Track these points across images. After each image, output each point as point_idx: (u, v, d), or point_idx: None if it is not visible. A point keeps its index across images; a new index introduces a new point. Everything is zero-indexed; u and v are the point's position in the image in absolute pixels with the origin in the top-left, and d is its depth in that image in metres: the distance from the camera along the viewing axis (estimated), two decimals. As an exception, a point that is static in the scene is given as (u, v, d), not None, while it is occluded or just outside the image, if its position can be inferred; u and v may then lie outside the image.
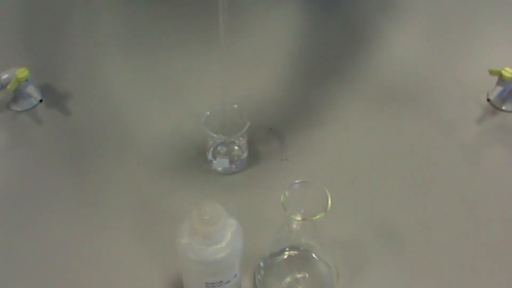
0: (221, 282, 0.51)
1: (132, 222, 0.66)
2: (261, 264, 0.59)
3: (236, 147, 0.73)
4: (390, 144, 0.76)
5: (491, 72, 0.78)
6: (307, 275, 0.59)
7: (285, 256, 0.60)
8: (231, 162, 0.71)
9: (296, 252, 0.60)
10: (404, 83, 0.86)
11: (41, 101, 0.79)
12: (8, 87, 0.76)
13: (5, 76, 0.77)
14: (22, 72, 0.77)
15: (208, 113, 0.68)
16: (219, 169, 0.71)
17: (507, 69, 0.77)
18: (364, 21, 0.99)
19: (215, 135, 0.67)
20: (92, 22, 0.98)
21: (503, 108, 0.81)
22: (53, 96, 0.82)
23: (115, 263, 0.62)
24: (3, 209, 0.68)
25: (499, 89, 0.78)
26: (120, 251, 0.63)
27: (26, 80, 0.77)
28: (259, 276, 0.59)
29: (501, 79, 0.78)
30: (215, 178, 0.71)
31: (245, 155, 0.72)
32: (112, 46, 0.93)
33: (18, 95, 0.79)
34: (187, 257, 0.49)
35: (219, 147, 0.73)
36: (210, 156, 0.72)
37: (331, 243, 0.58)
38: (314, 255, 0.59)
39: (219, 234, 0.48)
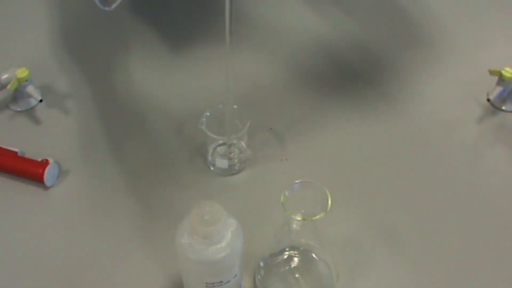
0: (221, 282, 0.51)
1: (132, 222, 0.66)
2: (261, 264, 0.59)
3: (236, 148, 0.73)
4: (390, 144, 0.76)
5: (491, 72, 0.78)
6: (307, 275, 0.59)
7: (285, 256, 0.60)
8: (231, 162, 0.71)
9: (296, 252, 0.60)
10: (404, 83, 0.86)
11: (41, 101, 0.79)
12: (8, 87, 0.76)
13: (5, 76, 0.77)
14: (22, 72, 0.77)
15: (208, 113, 0.68)
16: (219, 169, 0.71)
17: (507, 69, 0.77)
18: (364, 21, 0.99)
19: (215, 136, 0.67)
20: (92, 22, 0.98)
21: (503, 108, 0.81)
22: (53, 96, 0.82)
23: (115, 263, 0.62)
24: (3, 209, 0.68)
25: (499, 89, 0.78)
26: (120, 251, 0.63)
27: (26, 80, 0.77)
28: (259, 276, 0.59)
29: (501, 79, 0.78)
30: (215, 178, 0.71)
31: (245, 155, 0.72)
32: (112, 46, 0.93)
33: (18, 95, 0.79)
34: (187, 257, 0.49)
35: (219, 148, 0.73)
36: (210, 157, 0.72)
37: (331, 243, 0.58)
38: (314, 255, 0.59)
39: (219, 234, 0.48)
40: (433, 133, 0.78)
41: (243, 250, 0.52)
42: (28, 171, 0.69)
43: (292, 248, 0.60)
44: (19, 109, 0.81)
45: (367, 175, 0.72)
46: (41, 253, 0.63)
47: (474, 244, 0.64)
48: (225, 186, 0.70)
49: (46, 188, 0.69)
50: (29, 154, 0.73)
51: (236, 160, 0.72)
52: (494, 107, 0.81)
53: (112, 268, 0.62)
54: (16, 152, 0.72)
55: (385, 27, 0.97)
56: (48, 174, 0.68)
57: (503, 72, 0.77)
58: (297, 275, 0.59)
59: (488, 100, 0.80)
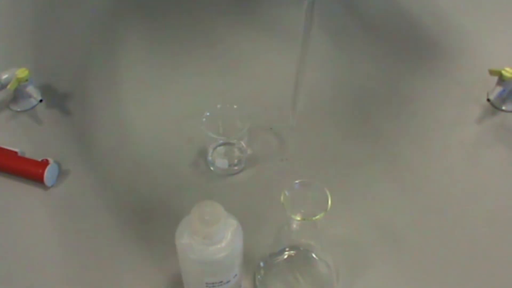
0: (221, 282, 0.51)
1: (132, 222, 0.66)
2: (261, 264, 0.59)
3: (236, 148, 0.73)
4: (390, 143, 0.76)
5: (491, 72, 0.78)
6: (307, 275, 0.59)
7: (285, 256, 0.60)
8: (231, 162, 0.71)
9: (296, 252, 0.60)
10: (404, 83, 0.86)
11: (41, 101, 0.79)
12: (8, 87, 0.76)
13: (5, 76, 0.77)
14: (22, 72, 0.77)
15: (208, 113, 0.68)
16: (219, 169, 0.71)
17: (507, 69, 0.77)
18: (364, 22, 0.99)
19: (215, 136, 0.67)
20: (92, 22, 0.98)
21: (503, 108, 0.81)
22: (53, 96, 0.82)
23: (115, 263, 0.62)
24: (3, 209, 0.68)
25: (499, 89, 0.78)
26: (120, 251, 0.63)
27: (26, 80, 0.77)
28: (259, 276, 0.59)
29: (501, 79, 0.78)
30: (215, 178, 0.71)
31: (245, 155, 0.72)
32: (112, 46, 0.93)
33: (18, 95, 0.79)
34: (187, 257, 0.49)
35: (219, 148, 0.73)
36: (210, 157, 0.72)
37: (331, 243, 0.58)
38: (314, 255, 0.59)
39: (219, 234, 0.48)
40: (433, 133, 0.78)
41: (243, 250, 0.52)
42: (28, 171, 0.69)
43: (292, 248, 0.60)
44: (19, 109, 0.81)
45: (367, 175, 0.72)
46: (41, 253, 0.63)
47: (474, 244, 0.64)
48: (225, 186, 0.70)
49: (46, 188, 0.69)
50: (29, 154, 0.73)
51: (236, 160, 0.72)
52: (494, 107, 0.81)
53: (112, 268, 0.62)
54: (16, 152, 0.72)
55: (386, 27, 0.97)
56: (48, 174, 0.68)
57: (503, 72, 0.77)
58: (297, 275, 0.59)
59: (488, 100, 0.80)
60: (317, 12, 0.54)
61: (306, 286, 0.59)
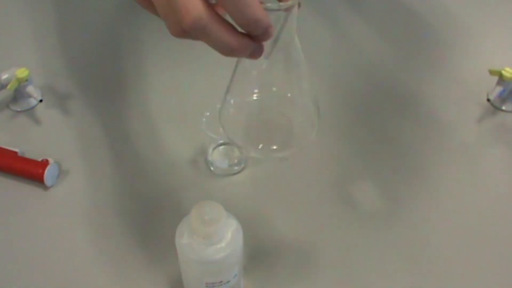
0: (221, 282, 0.51)
1: (132, 222, 0.66)
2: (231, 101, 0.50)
3: (236, 148, 0.73)
4: (389, 143, 0.76)
5: (491, 72, 0.78)
6: (280, 113, 0.51)
7: (254, 97, 0.50)
8: (231, 162, 0.71)
9: (267, 93, 0.50)
10: (404, 83, 0.86)
11: (41, 101, 0.79)
12: (8, 87, 0.76)
13: (5, 76, 0.77)
14: (22, 72, 0.77)
15: (208, 113, 0.68)
16: (219, 169, 0.71)
17: (507, 69, 0.77)
18: (364, 20, 0.99)
19: (215, 136, 0.67)
20: (92, 22, 0.98)
21: (503, 108, 0.81)
22: (53, 96, 0.82)
23: (115, 263, 0.62)
24: (3, 209, 0.68)
25: (499, 89, 0.78)
26: (120, 251, 0.63)
27: (26, 80, 0.77)
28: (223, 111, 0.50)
29: (501, 79, 0.78)
30: (215, 178, 0.71)
31: (245, 155, 0.72)
32: (112, 46, 0.93)
33: (18, 95, 0.79)
34: (187, 257, 0.49)
35: (219, 148, 0.73)
36: (210, 157, 0.72)
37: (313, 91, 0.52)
38: (289, 95, 0.51)
39: (219, 234, 0.48)
40: (433, 133, 0.78)
41: (243, 250, 0.52)
42: (28, 171, 0.69)
43: (262, 88, 0.50)
44: (19, 109, 0.81)
45: (367, 175, 0.72)
46: (41, 253, 0.63)
47: (473, 244, 0.64)
48: (225, 186, 0.70)
49: (46, 188, 0.69)
50: (29, 154, 0.73)
51: (236, 160, 0.72)
52: (494, 107, 0.81)
53: (112, 268, 0.62)
54: (16, 152, 0.72)
55: (386, 26, 0.97)
56: (48, 174, 0.68)
57: (503, 72, 0.77)
58: (268, 115, 0.51)
59: (488, 100, 0.80)
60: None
61: (276, 128, 0.51)
